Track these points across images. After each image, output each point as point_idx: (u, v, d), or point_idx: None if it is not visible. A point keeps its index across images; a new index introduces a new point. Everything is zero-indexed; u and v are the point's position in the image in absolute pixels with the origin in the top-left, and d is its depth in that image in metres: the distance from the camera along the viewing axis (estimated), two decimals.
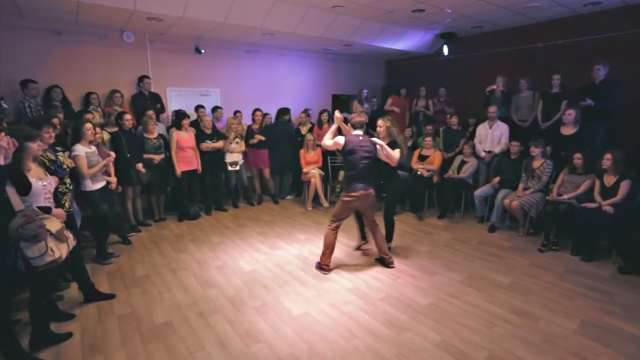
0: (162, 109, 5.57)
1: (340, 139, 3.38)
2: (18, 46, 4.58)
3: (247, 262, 3.77)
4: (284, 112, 6.11)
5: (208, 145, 5.17)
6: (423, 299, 3.04)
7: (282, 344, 2.47)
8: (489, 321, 2.72)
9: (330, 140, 3.43)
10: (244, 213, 5.50)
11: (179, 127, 4.95)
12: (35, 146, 2.45)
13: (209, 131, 5.23)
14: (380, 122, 3.65)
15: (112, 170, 3.97)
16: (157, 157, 4.66)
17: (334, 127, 3.51)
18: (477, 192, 4.90)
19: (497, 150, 5.11)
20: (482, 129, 5.31)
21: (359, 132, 3.43)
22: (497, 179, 4.74)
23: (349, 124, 3.54)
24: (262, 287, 3.25)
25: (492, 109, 5.14)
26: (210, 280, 3.39)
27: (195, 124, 5.40)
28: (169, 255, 3.95)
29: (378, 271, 3.55)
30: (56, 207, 2.64)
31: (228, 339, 2.54)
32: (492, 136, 5.18)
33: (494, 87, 5.54)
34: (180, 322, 2.73)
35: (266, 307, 2.93)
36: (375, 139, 3.45)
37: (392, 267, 3.59)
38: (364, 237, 4.08)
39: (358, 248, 4.08)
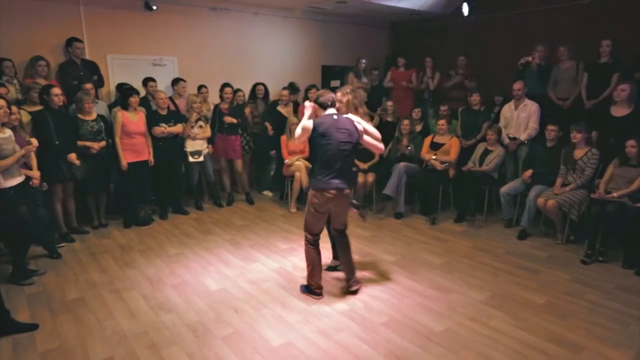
0: (101, 83, 5.47)
1: (308, 122, 3.21)
2: None
3: (213, 280, 3.76)
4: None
5: (163, 129, 5.11)
6: (436, 324, 3.05)
7: None
8: (519, 352, 2.73)
9: (299, 132, 3.25)
10: (210, 216, 5.48)
11: (125, 107, 4.89)
12: None
13: (163, 112, 5.18)
14: (338, 94, 3.45)
15: (34, 162, 3.89)
16: (96, 145, 4.61)
17: (303, 119, 3.29)
18: (504, 189, 4.93)
19: (523, 136, 5.15)
20: (507, 110, 5.37)
21: (332, 110, 3.30)
22: (529, 172, 4.77)
23: (313, 102, 3.36)
24: (232, 311, 3.24)
25: (517, 86, 5.17)
26: (166, 303, 3.37)
27: (145, 103, 5.33)
28: (111, 272, 3.91)
29: (380, 289, 3.55)
30: None
31: None
32: (517, 119, 5.22)
33: (529, 58, 5.52)
34: (125, 358, 2.69)
35: (237, 336, 2.91)
36: (353, 116, 3.31)
37: (355, 293, 3.45)
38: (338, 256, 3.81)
39: (332, 268, 3.86)
